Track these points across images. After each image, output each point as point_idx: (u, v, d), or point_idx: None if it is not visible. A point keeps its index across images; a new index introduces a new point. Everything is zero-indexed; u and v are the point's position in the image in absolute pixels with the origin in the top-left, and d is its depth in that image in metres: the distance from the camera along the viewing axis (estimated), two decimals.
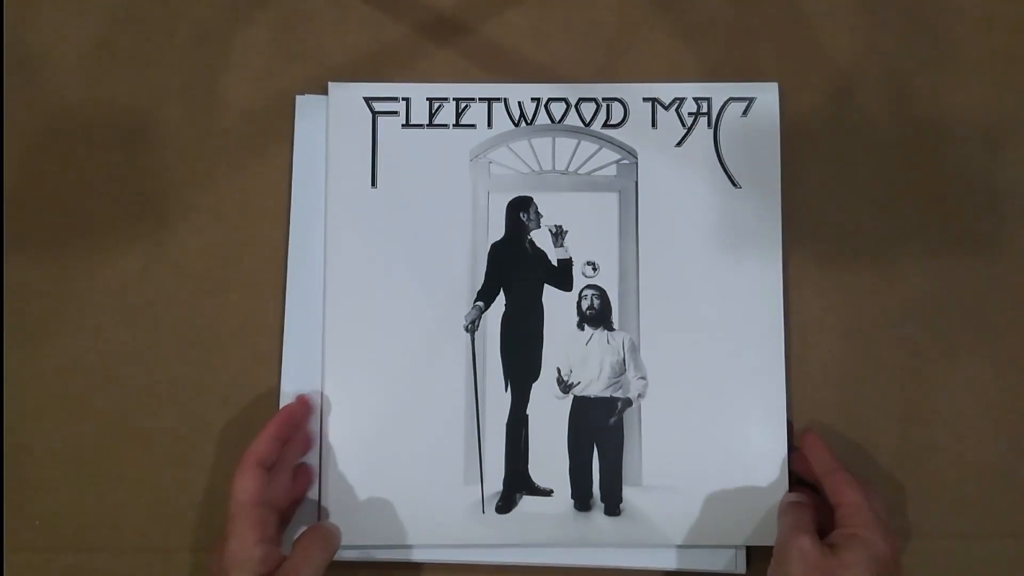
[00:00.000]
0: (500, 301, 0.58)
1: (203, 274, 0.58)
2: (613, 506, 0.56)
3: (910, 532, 0.56)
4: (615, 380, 0.57)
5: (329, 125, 0.58)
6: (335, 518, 0.55)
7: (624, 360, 0.57)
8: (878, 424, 0.57)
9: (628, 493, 0.56)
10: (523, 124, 0.59)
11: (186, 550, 0.56)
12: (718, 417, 0.56)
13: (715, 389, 0.56)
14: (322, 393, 0.56)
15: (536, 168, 0.59)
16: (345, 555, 0.55)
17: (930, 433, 0.57)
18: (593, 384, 0.57)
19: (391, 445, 0.56)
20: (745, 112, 0.58)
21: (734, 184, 0.58)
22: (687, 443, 0.56)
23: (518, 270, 0.58)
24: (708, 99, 0.59)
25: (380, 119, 0.58)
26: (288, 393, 0.56)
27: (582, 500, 0.56)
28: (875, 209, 0.58)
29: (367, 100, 0.58)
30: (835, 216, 0.58)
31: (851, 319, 0.57)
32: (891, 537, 0.49)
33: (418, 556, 0.55)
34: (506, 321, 0.57)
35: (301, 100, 0.59)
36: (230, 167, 0.59)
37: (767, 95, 0.59)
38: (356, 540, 0.55)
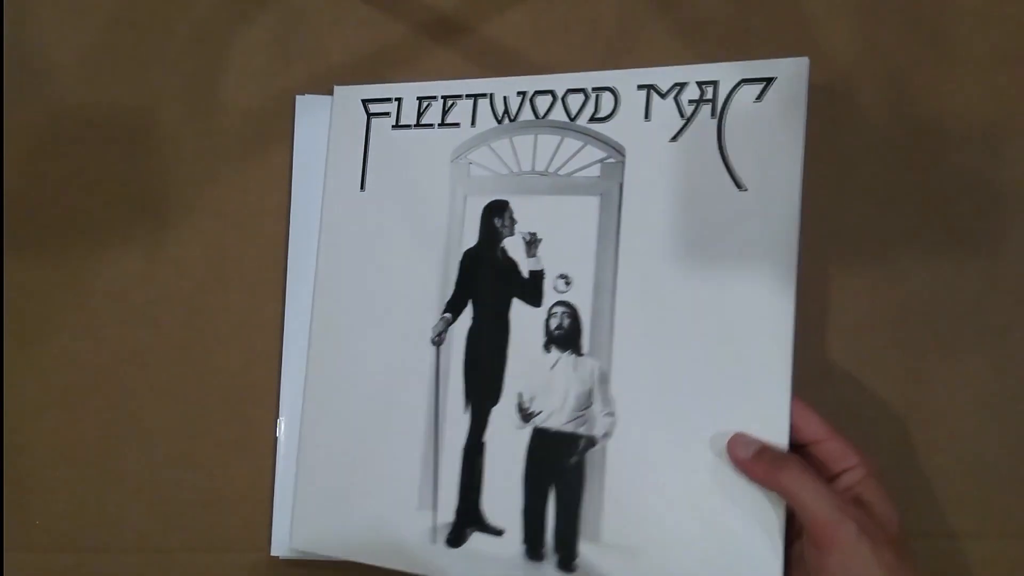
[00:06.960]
0: (468, 313, 0.53)
1: (203, 274, 0.58)
2: (567, 561, 0.49)
3: (910, 532, 0.56)
4: (579, 414, 0.49)
5: (331, 129, 0.58)
6: (305, 524, 0.53)
7: (592, 391, 0.50)
8: (878, 424, 0.57)
9: (584, 549, 0.48)
10: (506, 121, 0.54)
11: (186, 550, 0.56)
12: (698, 469, 0.46)
13: (697, 434, 0.47)
14: (304, 398, 0.55)
15: (515, 169, 0.53)
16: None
17: (930, 433, 0.57)
18: (555, 415, 0.50)
19: (357, 458, 0.53)
20: (760, 96, 0.49)
21: (738, 186, 0.49)
22: (657, 498, 0.47)
23: (487, 280, 0.53)
24: (715, 83, 0.50)
25: (373, 120, 0.57)
26: (288, 393, 0.56)
27: (534, 547, 0.49)
28: (875, 209, 0.58)
29: (363, 102, 0.57)
30: (835, 216, 0.58)
31: (851, 319, 0.57)
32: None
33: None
34: (471, 336, 0.52)
35: (301, 100, 0.59)
36: (230, 167, 0.59)
37: (793, 71, 0.48)
38: (322, 551, 0.53)
